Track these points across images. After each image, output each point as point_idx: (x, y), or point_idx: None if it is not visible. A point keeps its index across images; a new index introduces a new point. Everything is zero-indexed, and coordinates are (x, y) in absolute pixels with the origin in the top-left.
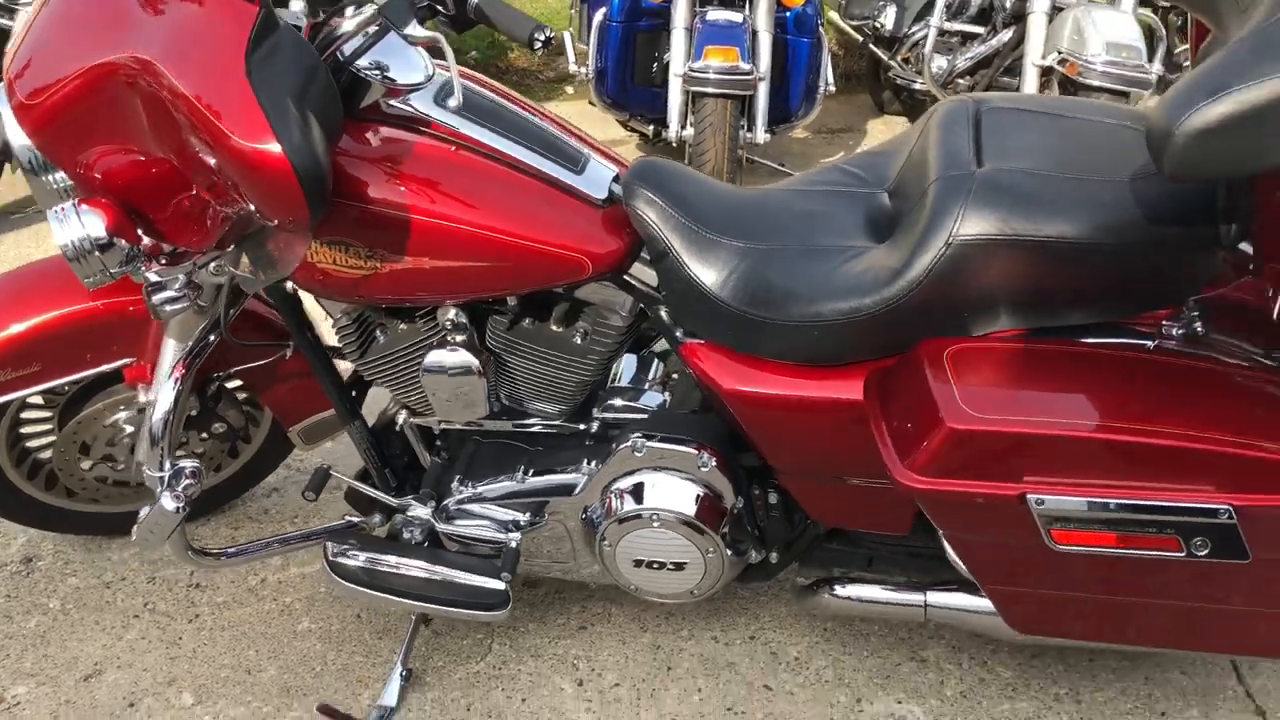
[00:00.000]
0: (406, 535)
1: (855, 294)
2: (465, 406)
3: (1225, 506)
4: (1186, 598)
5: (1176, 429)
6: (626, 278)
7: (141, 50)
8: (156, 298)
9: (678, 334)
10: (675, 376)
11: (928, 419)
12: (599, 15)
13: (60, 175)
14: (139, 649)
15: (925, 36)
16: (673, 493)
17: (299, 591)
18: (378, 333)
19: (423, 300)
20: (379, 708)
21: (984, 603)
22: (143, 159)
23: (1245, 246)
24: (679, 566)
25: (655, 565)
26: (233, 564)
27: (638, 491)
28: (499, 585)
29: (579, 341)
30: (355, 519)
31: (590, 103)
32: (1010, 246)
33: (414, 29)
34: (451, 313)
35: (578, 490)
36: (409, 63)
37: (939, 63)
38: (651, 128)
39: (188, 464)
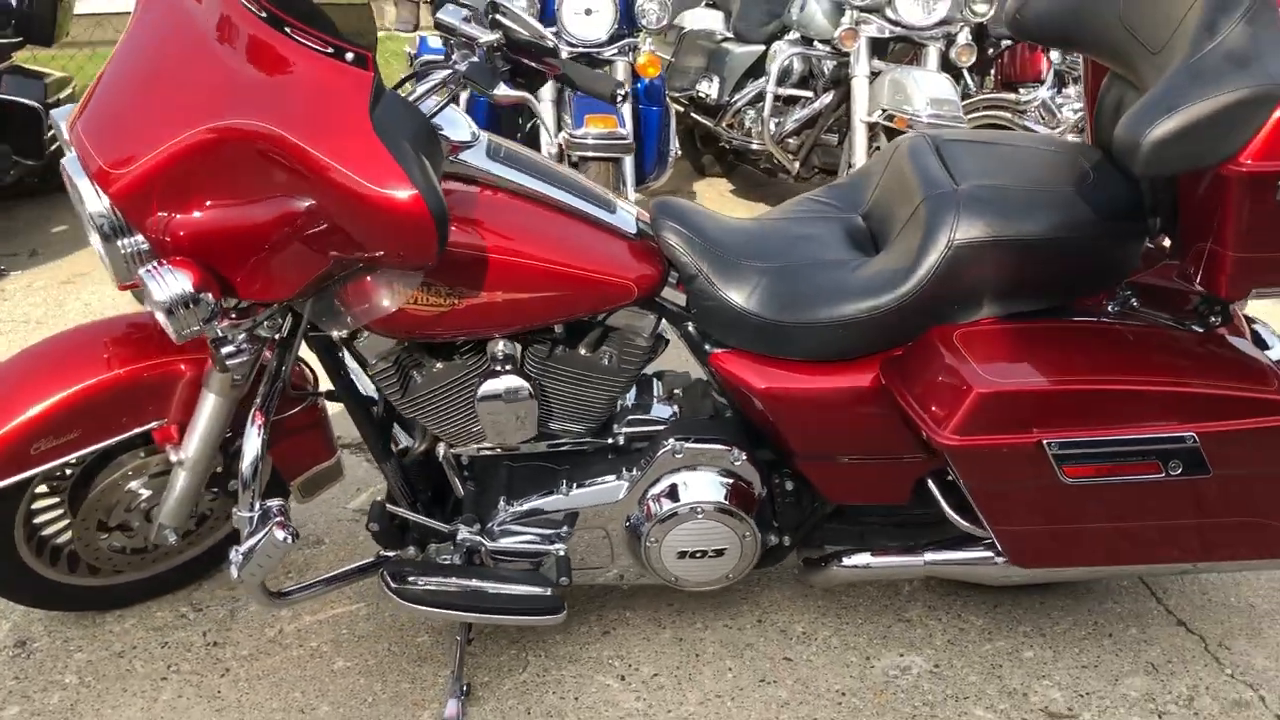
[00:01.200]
0: (445, 559)
1: (871, 295)
2: (518, 429)
3: (1190, 433)
4: (1165, 515)
5: (1146, 378)
6: (659, 300)
7: (252, 116)
8: (225, 349)
9: (706, 347)
10: (678, 392)
11: (957, 388)
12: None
13: (135, 239)
14: (180, 707)
15: (748, 102)
16: (711, 486)
17: (322, 636)
18: (415, 373)
19: (489, 332)
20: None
21: (975, 553)
22: (227, 218)
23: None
24: (719, 553)
25: (698, 554)
26: (301, 600)
27: (679, 489)
28: (552, 591)
29: (607, 363)
30: (389, 554)
31: None
32: (995, 246)
33: (502, 89)
34: (501, 344)
35: (621, 496)
36: (455, 124)
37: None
38: None
39: (274, 503)
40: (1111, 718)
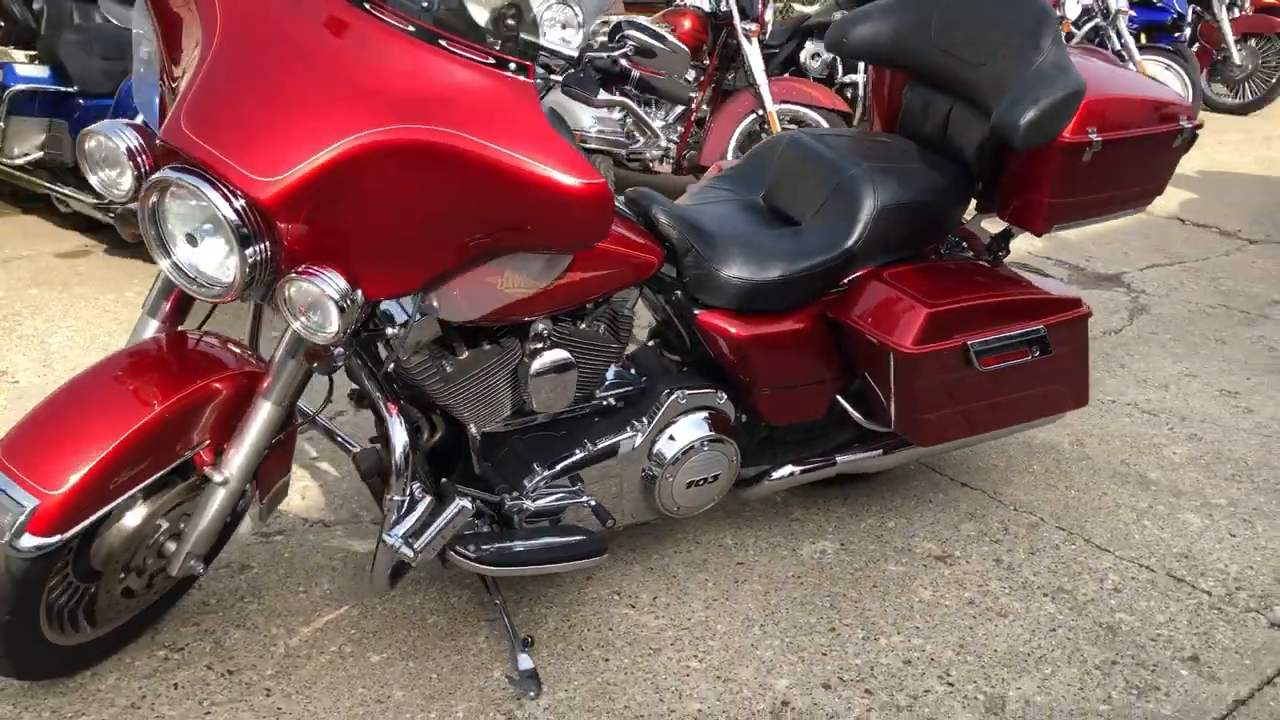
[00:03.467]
0: (476, 524)
1: (821, 252)
2: (563, 396)
3: (1040, 327)
4: (1026, 388)
5: (1006, 293)
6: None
7: (421, 122)
8: (339, 349)
9: (694, 310)
10: (627, 358)
11: (909, 311)
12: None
13: (262, 246)
14: None
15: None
16: (707, 422)
17: (335, 640)
18: (449, 361)
19: (558, 309)
20: (522, 673)
21: (874, 450)
22: (381, 220)
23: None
24: (715, 479)
25: (701, 483)
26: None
27: (686, 429)
28: (599, 534)
29: (605, 333)
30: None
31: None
32: (901, 208)
33: (603, 95)
34: (541, 325)
35: (638, 444)
36: None
37: None
38: None
39: (415, 486)
40: (974, 550)
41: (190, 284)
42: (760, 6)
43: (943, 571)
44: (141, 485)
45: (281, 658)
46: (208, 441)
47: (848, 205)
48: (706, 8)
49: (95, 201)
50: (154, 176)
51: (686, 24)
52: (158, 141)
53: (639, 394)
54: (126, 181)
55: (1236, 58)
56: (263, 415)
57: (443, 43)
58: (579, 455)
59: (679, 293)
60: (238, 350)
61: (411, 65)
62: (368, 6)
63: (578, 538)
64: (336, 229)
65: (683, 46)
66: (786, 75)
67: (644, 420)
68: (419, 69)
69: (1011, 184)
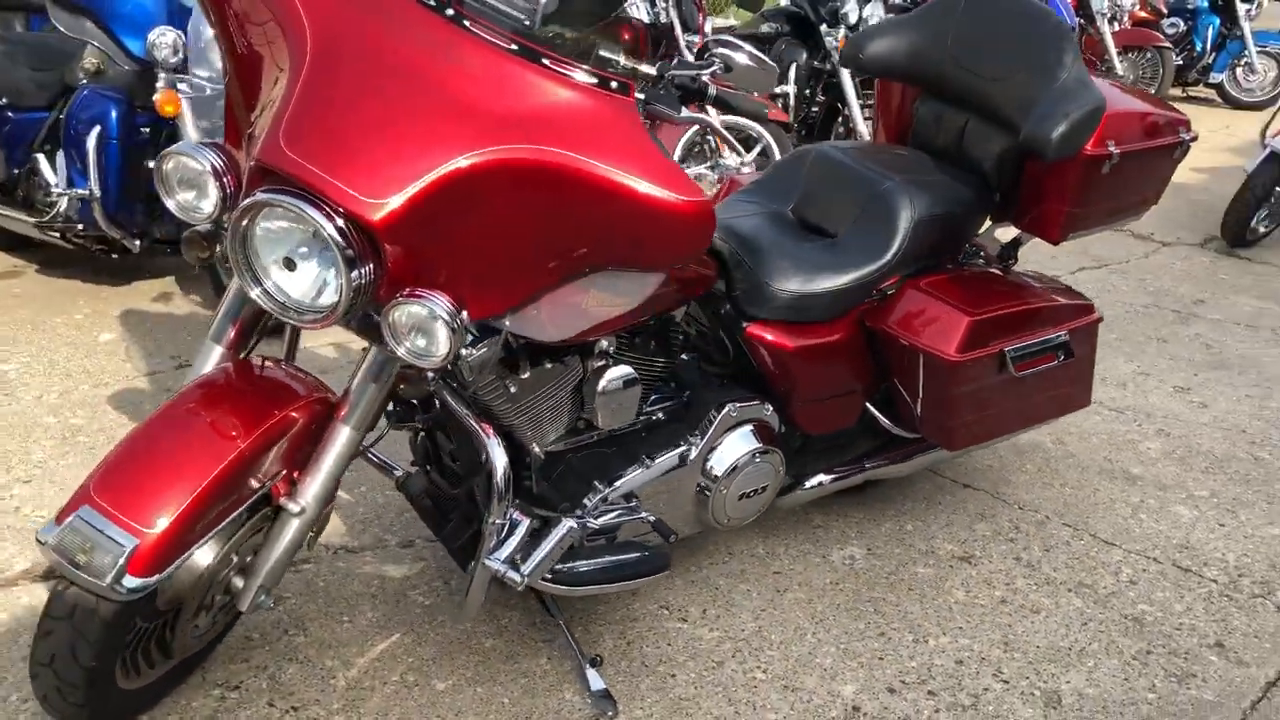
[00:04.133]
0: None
1: (863, 264)
2: (627, 413)
3: (1063, 333)
4: (1050, 389)
5: (1031, 300)
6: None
7: (527, 141)
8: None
9: (742, 323)
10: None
11: (949, 319)
12: (93, 136)
13: (367, 269)
14: None
15: None
16: (758, 434)
17: (395, 669)
18: (512, 382)
19: (633, 324)
20: (595, 693)
21: (897, 458)
22: (486, 240)
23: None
24: (764, 490)
25: (752, 494)
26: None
27: (739, 442)
28: (663, 549)
29: (655, 347)
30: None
31: (64, 234)
32: (934, 220)
33: (685, 113)
34: (605, 341)
35: (693, 457)
36: None
37: None
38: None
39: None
40: (994, 549)
41: (283, 310)
42: (700, 19)
43: (969, 572)
44: (227, 520)
45: (344, 690)
46: (284, 471)
47: (885, 217)
48: (647, 19)
49: (36, 220)
50: (251, 199)
51: (625, 36)
52: (252, 163)
53: (683, 408)
54: (209, 204)
55: (1119, 69)
56: (341, 441)
57: (545, 61)
58: (638, 471)
59: (728, 305)
60: (304, 376)
61: (517, 84)
62: (468, 25)
63: (642, 554)
64: (442, 250)
65: (772, 64)
66: None
67: (696, 434)
68: (524, 88)
69: (1029, 195)
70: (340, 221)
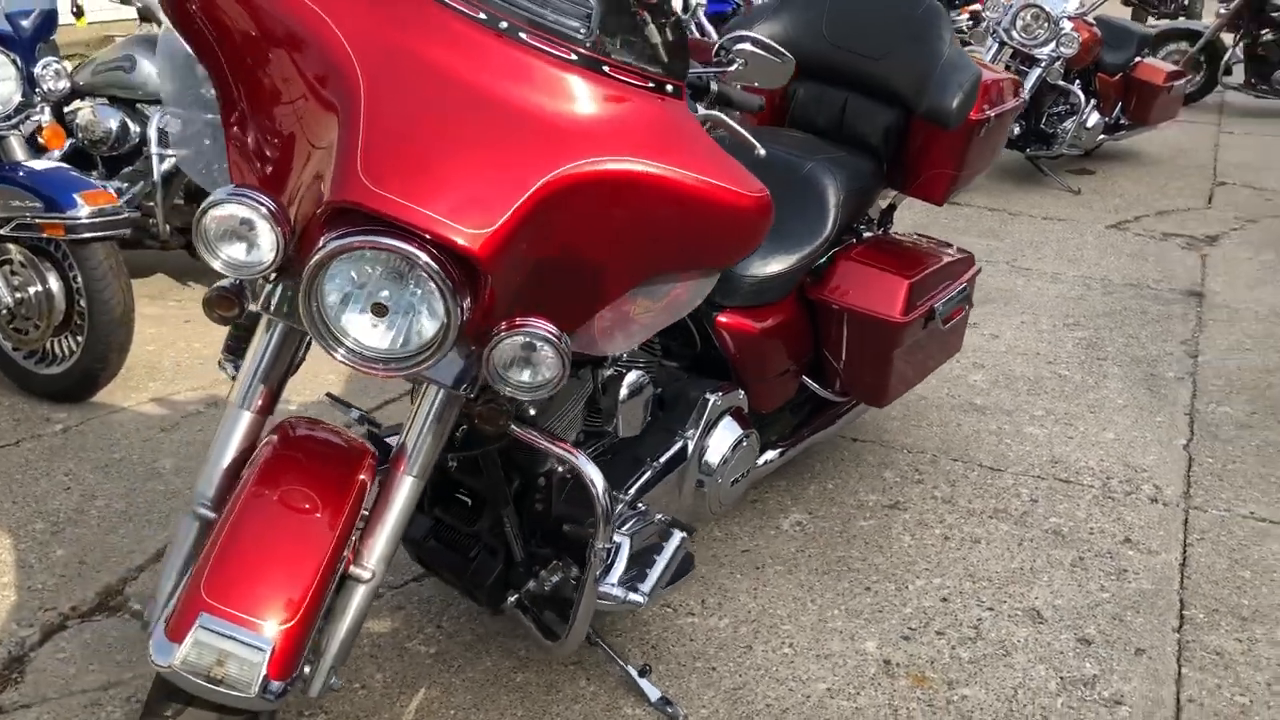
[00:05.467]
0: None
1: (807, 242)
2: (645, 417)
3: (965, 285)
4: (949, 337)
5: (939, 259)
6: None
7: (604, 153)
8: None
9: (712, 312)
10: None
11: (892, 283)
12: None
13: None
14: None
15: None
16: (738, 420)
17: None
18: (529, 406)
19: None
20: (656, 702)
21: (830, 423)
22: (568, 259)
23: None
24: (747, 473)
25: (739, 479)
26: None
27: (723, 431)
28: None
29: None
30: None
31: None
32: (853, 193)
33: (699, 109)
34: None
35: (690, 453)
36: None
37: None
38: None
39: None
40: (912, 493)
41: (368, 363)
42: None
43: (904, 517)
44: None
45: (400, 703)
46: (351, 539)
47: (817, 196)
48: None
49: None
50: (343, 241)
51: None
52: (330, 202)
53: (658, 403)
54: (265, 254)
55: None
56: (406, 494)
57: (606, 69)
58: (647, 475)
59: None
60: (342, 430)
61: (584, 95)
62: (524, 37)
63: (670, 558)
64: (529, 275)
65: (789, 55)
66: None
67: (688, 429)
68: (591, 98)
69: (916, 162)
70: (435, 257)
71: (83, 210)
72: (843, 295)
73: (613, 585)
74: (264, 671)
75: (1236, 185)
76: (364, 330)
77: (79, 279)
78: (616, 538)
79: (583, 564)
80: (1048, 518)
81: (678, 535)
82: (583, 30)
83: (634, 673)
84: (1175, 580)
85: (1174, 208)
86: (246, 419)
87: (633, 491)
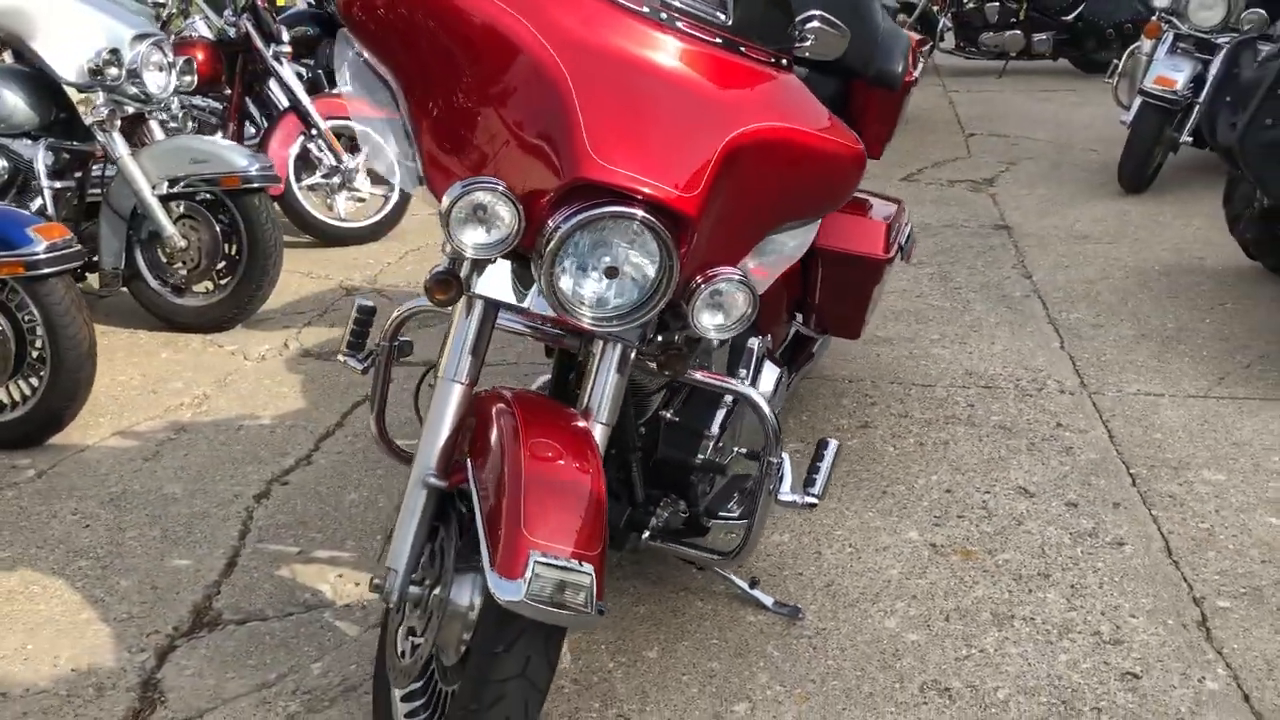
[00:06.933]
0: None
1: None
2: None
3: (909, 225)
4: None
5: (889, 200)
6: None
7: (757, 120)
8: None
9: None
10: None
11: (873, 225)
12: None
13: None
14: None
15: None
16: (774, 359)
17: (600, 661)
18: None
19: None
20: (773, 607)
21: (812, 363)
22: (739, 211)
23: None
24: (781, 408)
25: (778, 412)
26: None
27: (770, 369)
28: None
29: None
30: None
31: None
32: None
33: None
34: None
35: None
36: None
37: None
38: None
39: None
40: (873, 414)
41: (604, 323)
42: (277, 26)
43: (878, 433)
44: None
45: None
46: None
47: None
48: (213, 36)
49: None
50: (593, 212)
51: (200, 55)
52: (574, 179)
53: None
54: (502, 232)
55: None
56: (601, 439)
57: (743, 49)
58: (722, 412)
59: None
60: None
61: (731, 71)
62: (681, 26)
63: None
64: (714, 230)
65: (844, 26)
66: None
67: (740, 371)
68: (738, 74)
69: (855, 124)
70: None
71: (39, 246)
72: (831, 240)
73: (788, 493)
74: (593, 593)
75: (984, 135)
76: (598, 292)
77: (32, 318)
78: (783, 454)
79: (690, 500)
80: (990, 417)
81: (834, 443)
82: (720, 15)
83: (745, 585)
84: (1111, 449)
85: (945, 158)
86: (459, 391)
87: (715, 428)
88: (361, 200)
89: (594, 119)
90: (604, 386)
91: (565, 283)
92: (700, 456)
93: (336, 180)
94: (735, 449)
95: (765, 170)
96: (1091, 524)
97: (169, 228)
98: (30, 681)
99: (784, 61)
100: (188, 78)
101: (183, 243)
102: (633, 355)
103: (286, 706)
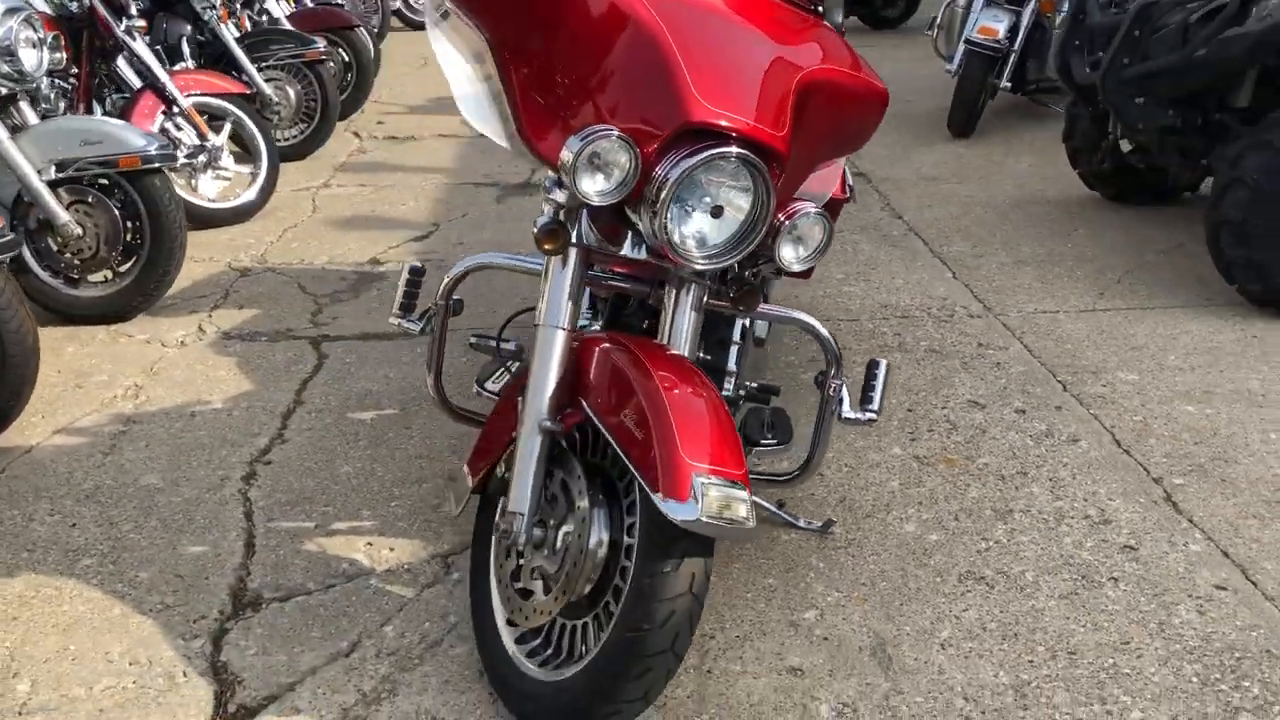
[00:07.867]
0: None
1: None
2: None
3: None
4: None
5: None
6: None
7: (813, 63)
8: None
9: None
10: None
11: (832, 170)
12: None
13: None
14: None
15: None
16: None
17: None
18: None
19: None
20: (807, 527)
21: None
22: (804, 151)
23: None
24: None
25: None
26: None
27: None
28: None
29: None
30: None
31: None
32: None
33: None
34: None
35: (752, 327)
36: None
37: None
38: None
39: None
40: (815, 350)
41: (713, 258)
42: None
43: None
44: None
45: None
46: None
47: None
48: (51, 12)
49: None
50: (708, 154)
51: None
52: (686, 124)
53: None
54: (616, 179)
55: None
56: None
57: (794, 3)
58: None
59: None
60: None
61: (787, 19)
62: None
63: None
64: (794, 165)
65: None
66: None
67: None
68: (790, 21)
69: None
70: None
71: None
72: None
73: (849, 411)
74: (752, 509)
75: None
76: (701, 230)
77: None
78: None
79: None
80: (919, 343)
81: (884, 363)
82: None
83: (773, 508)
84: (1034, 361)
85: None
86: (562, 337)
87: (733, 364)
88: (227, 180)
89: (695, 68)
90: (683, 324)
91: (672, 224)
92: (726, 392)
93: (202, 160)
94: (746, 383)
95: (821, 109)
96: (1044, 426)
97: (62, 215)
98: (90, 679)
99: (819, 9)
100: (58, 54)
101: (78, 230)
102: (706, 295)
103: (377, 669)
